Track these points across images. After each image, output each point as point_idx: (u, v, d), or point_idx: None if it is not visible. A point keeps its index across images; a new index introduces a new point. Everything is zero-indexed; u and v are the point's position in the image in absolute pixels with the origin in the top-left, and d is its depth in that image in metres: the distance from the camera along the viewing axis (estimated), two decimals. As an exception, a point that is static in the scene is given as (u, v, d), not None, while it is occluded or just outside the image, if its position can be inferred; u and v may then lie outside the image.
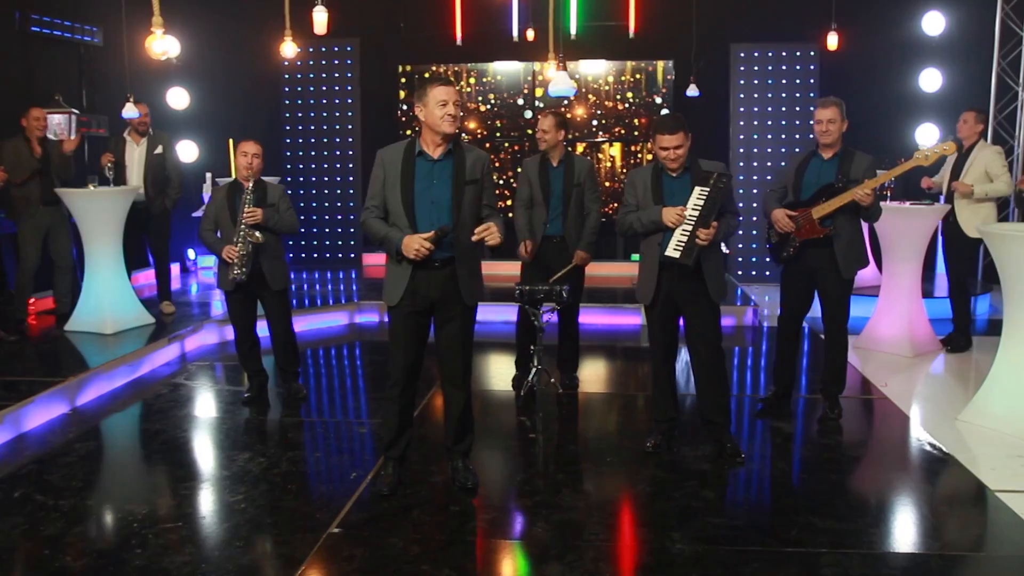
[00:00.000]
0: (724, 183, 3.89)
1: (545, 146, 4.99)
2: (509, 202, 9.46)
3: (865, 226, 7.80)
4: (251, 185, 4.82)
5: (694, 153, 4.06)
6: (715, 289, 4.03)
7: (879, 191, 6.13)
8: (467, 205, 3.59)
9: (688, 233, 3.88)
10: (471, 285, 3.68)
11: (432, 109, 3.49)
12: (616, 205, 9.39)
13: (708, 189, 3.88)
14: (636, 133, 9.36)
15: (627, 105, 9.35)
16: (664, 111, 9.26)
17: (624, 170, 9.40)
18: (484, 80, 9.45)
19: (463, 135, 9.45)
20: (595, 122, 9.39)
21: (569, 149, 5.14)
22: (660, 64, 9.33)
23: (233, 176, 4.97)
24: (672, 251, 3.92)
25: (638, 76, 9.29)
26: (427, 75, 9.49)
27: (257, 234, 4.75)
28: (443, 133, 3.52)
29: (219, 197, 4.92)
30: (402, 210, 3.56)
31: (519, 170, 5.31)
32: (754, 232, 9.05)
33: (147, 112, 6.90)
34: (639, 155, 9.37)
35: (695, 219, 3.88)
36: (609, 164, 9.42)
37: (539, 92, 9.43)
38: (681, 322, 4.20)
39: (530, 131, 9.34)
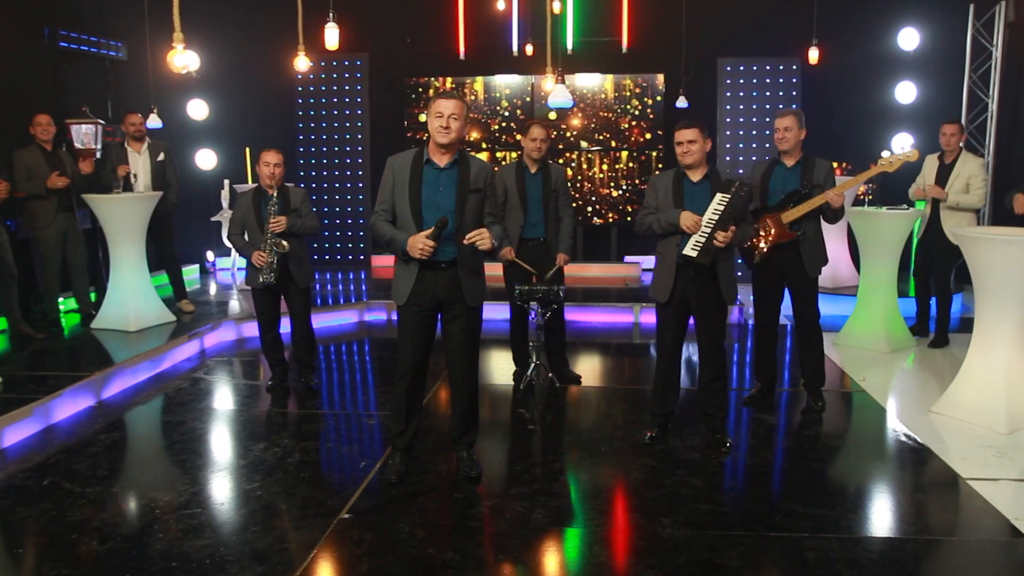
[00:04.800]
0: (746, 191, 3.89)
1: (539, 154, 4.96)
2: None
3: (845, 229, 7.83)
4: (275, 194, 4.85)
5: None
6: (727, 290, 4.02)
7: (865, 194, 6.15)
8: (469, 212, 3.59)
9: (707, 235, 3.88)
10: (473, 287, 3.68)
11: (431, 119, 3.52)
12: (611, 211, 9.39)
13: (729, 196, 3.89)
14: (639, 150, 9.35)
15: (623, 116, 9.34)
16: (656, 121, 9.27)
17: (612, 178, 9.39)
18: (491, 89, 9.44)
19: (468, 147, 9.45)
20: (584, 141, 9.38)
21: (547, 158, 5.10)
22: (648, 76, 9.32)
23: (250, 182, 4.98)
24: (690, 250, 3.91)
25: (636, 86, 9.28)
26: (434, 89, 9.50)
27: (284, 243, 4.79)
28: (437, 143, 3.52)
29: (244, 203, 4.95)
30: (409, 214, 3.56)
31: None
32: (740, 235, 9.03)
33: (141, 120, 6.86)
34: (629, 164, 9.35)
35: (714, 222, 3.87)
36: (604, 171, 9.41)
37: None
38: (691, 321, 4.19)
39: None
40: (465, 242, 3.52)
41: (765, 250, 4.57)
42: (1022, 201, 5.23)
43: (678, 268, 4.00)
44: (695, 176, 4.02)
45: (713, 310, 4.06)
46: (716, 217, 3.87)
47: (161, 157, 6.83)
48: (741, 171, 9.07)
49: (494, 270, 5.05)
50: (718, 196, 3.92)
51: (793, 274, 4.59)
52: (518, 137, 9.42)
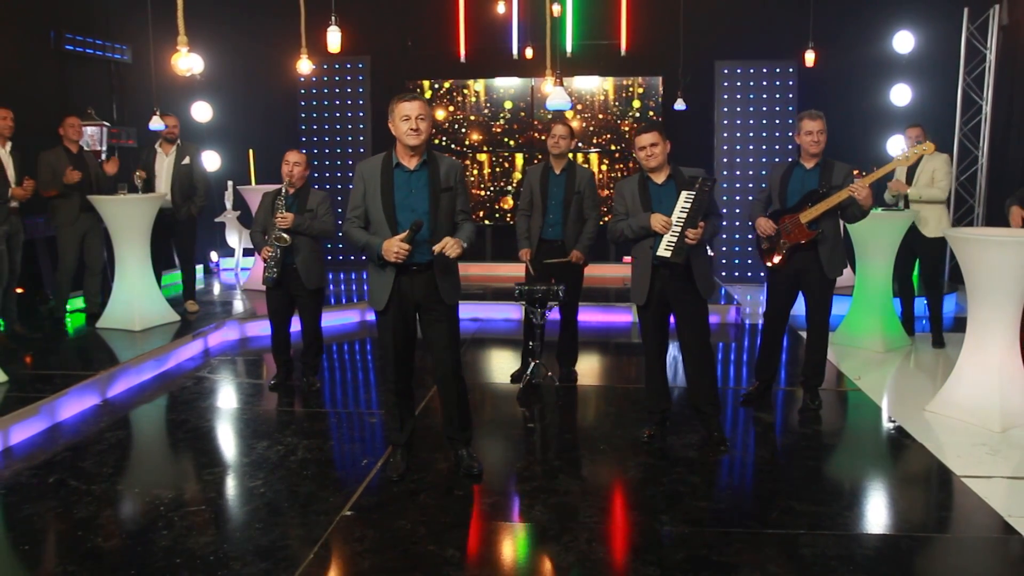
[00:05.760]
0: (709, 186, 3.90)
1: (559, 151, 4.96)
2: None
3: (841, 229, 7.81)
4: (284, 191, 4.87)
5: (682, 161, 4.08)
6: (703, 287, 4.03)
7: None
8: (443, 212, 3.58)
9: (677, 234, 3.89)
10: (450, 286, 3.66)
11: (398, 124, 3.50)
12: (611, 212, 9.38)
13: (694, 192, 3.90)
14: (625, 146, 9.35)
15: (624, 119, 9.34)
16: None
17: (612, 179, 9.39)
18: (492, 91, 9.45)
19: (465, 147, 9.46)
20: (580, 143, 9.38)
21: (571, 159, 5.11)
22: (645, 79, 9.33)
23: (253, 183, 4.98)
24: (663, 251, 3.92)
25: (638, 87, 9.29)
26: (431, 91, 9.50)
27: (285, 236, 4.79)
28: (408, 145, 3.51)
29: (266, 202, 4.98)
30: (384, 219, 3.54)
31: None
32: (737, 236, 9.05)
33: (176, 123, 6.89)
34: (628, 164, 9.35)
35: (683, 220, 3.88)
36: (601, 173, 9.41)
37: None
38: (672, 319, 4.19)
39: (541, 137, 9.34)
40: (435, 250, 3.48)
41: (784, 251, 4.56)
42: (1018, 215, 5.22)
43: (653, 269, 4.01)
44: (659, 178, 4.04)
45: (692, 308, 4.07)
46: (684, 215, 3.89)
47: (186, 160, 6.84)
48: (738, 172, 9.08)
49: (514, 271, 5.04)
50: (683, 194, 3.94)
51: (809, 275, 4.57)
52: (520, 140, 9.43)
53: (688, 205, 3.90)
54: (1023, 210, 5.20)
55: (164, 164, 6.79)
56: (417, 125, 3.46)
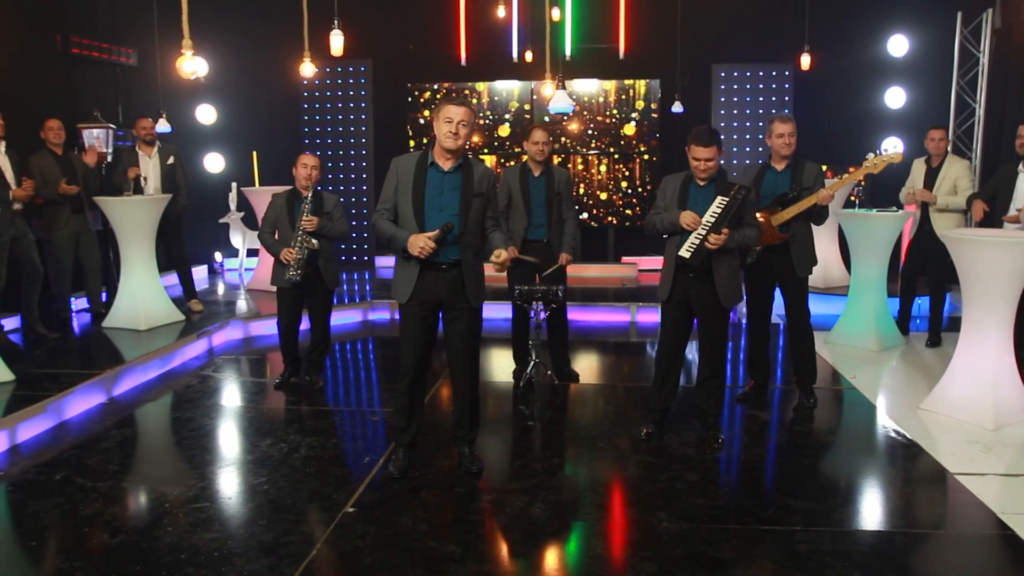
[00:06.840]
0: (743, 195, 3.87)
1: (542, 156, 4.97)
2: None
3: (837, 230, 7.83)
4: (310, 195, 4.86)
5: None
6: (725, 294, 3.99)
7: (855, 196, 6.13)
8: (473, 216, 3.60)
9: (701, 236, 3.88)
10: (476, 288, 3.68)
11: (440, 124, 3.51)
12: (609, 214, 9.39)
13: (728, 199, 3.88)
14: (637, 153, 9.35)
15: (625, 121, 9.34)
16: (650, 125, 9.28)
17: (612, 181, 9.39)
18: (494, 94, 9.45)
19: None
20: (581, 145, 9.38)
21: (549, 161, 5.10)
22: (645, 82, 9.32)
23: (256, 184, 4.96)
24: (684, 251, 3.91)
25: (630, 92, 9.29)
26: (444, 92, 9.50)
27: (313, 241, 4.81)
28: (445, 148, 3.52)
29: (279, 203, 4.96)
30: (412, 215, 3.56)
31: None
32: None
33: (152, 124, 6.85)
34: (629, 165, 9.35)
35: (710, 224, 3.87)
36: (603, 174, 9.40)
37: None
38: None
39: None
40: (496, 260, 3.57)
41: (757, 251, 4.59)
42: (979, 207, 5.26)
43: (677, 269, 4.01)
44: (702, 180, 4.03)
45: (710, 312, 4.05)
46: (713, 220, 3.87)
47: (171, 161, 6.83)
48: (735, 174, 9.05)
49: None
50: (718, 199, 3.91)
51: (784, 275, 4.60)
52: (522, 145, 9.43)
53: (719, 210, 3.88)
54: (985, 204, 5.24)
55: (149, 166, 6.76)
56: (457, 130, 3.47)
